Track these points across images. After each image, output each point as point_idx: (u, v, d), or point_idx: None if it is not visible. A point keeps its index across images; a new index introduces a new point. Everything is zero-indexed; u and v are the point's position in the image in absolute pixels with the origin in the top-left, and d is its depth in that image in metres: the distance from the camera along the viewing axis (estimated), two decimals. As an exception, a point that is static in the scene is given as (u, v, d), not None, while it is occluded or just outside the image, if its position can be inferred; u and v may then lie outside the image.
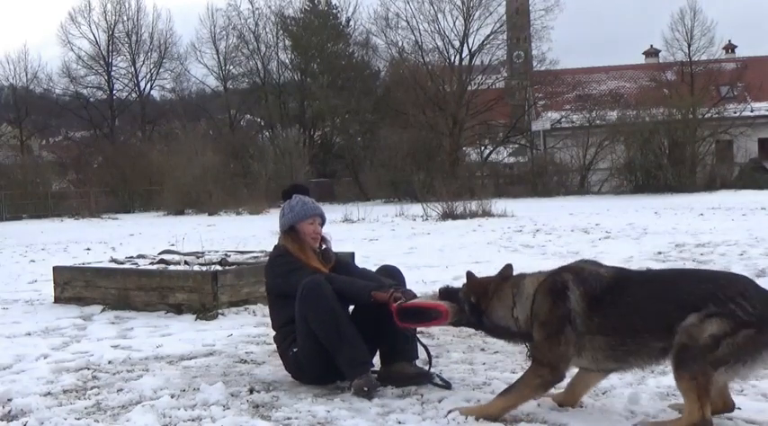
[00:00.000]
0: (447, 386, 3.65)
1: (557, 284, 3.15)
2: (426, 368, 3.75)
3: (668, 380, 3.59)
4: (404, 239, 13.10)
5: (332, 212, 22.88)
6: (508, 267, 3.43)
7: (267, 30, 44.22)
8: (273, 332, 5.17)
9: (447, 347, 4.61)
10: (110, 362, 4.47)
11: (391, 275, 4.02)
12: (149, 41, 47.05)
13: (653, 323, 2.94)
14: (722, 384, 2.94)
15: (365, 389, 3.49)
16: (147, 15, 52.96)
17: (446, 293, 3.49)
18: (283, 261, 3.88)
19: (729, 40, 43.88)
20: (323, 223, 4.09)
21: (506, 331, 3.26)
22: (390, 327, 3.61)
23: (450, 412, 3.18)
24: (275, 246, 4.07)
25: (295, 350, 3.76)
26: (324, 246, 4.07)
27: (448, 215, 18.09)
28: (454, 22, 41.03)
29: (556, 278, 3.20)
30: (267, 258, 4.04)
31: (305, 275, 3.75)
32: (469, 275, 3.45)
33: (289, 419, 3.28)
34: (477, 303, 3.30)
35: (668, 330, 2.87)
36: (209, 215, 25.97)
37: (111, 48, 46.82)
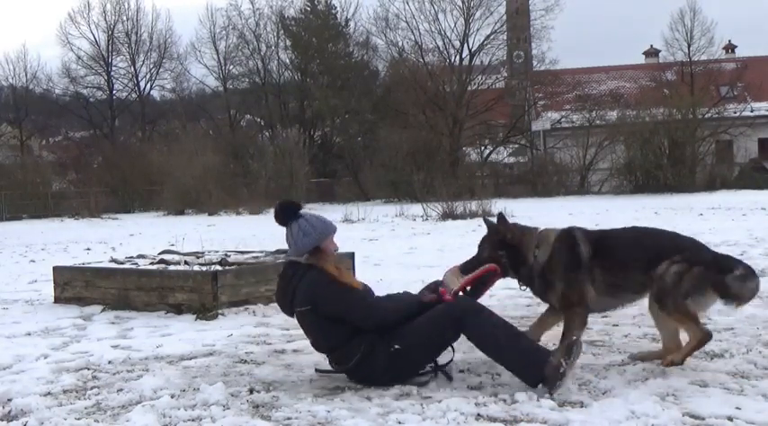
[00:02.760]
0: (449, 378, 3.77)
1: (571, 236, 4.06)
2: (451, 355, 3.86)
3: (668, 380, 3.60)
4: (404, 239, 13.10)
5: (332, 212, 22.91)
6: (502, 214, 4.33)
7: (268, 29, 44.27)
8: (273, 332, 5.16)
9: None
10: (110, 362, 4.47)
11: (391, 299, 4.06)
12: (149, 41, 47.09)
13: (636, 259, 3.92)
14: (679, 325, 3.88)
15: (561, 370, 3.45)
16: (147, 15, 53.10)
17: (470, 264, 4.06)
18: (334, 287, 3.79)
19: (729, 40, 43.91)
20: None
21: (528, 271, 4.05)
22: None
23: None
24: (310, 268, 3.85)
25: (397, 347, 3.67)
26: None
27: (448, 215, 18.08)
28: (454, 23, 41.06)
29: (569, 232, 4.10)
30: (303, 280, 3.84)
31: (357, 295, 3.80)
32: (502, 215, 4.28)
33: (289, 419, 3.28)
34: (510, 242, 4.09)
35: (646, 268, 3.86)
36: (209, 215, 25.96)
37: (110, 48, 46.82)
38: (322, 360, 4.34)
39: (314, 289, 3.78)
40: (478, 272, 3.97)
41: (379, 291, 7.10)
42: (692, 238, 4.09)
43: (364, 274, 7.53)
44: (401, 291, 4.17)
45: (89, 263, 7.96)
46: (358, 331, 3.73)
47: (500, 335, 3.65)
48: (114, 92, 47.57)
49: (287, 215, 3.90)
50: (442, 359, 3.84)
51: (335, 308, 3.75)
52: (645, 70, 42.51)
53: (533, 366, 3.52)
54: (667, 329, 3.96)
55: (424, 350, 3.75)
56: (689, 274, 3.76)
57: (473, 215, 17.93)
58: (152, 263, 6.94)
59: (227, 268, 6.38)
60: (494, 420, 3.19)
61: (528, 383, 3.53)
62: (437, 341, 3.77)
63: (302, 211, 3.93)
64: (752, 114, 36.98)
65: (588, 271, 3.92)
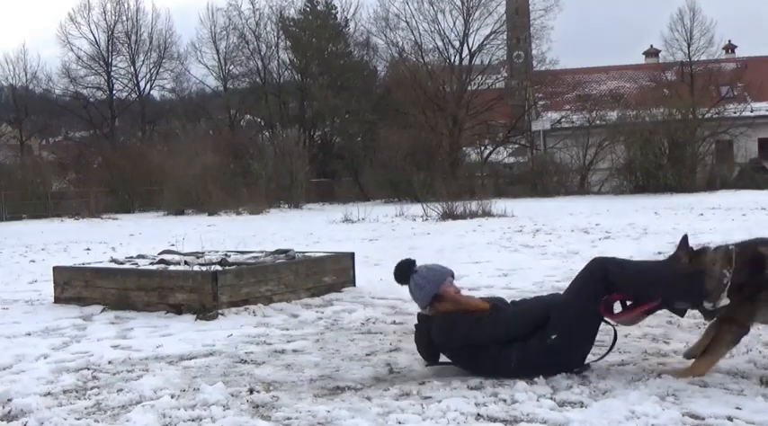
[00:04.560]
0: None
1: (757, 255, 3.66)
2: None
3: (668, 381, 3.59)
4: (404, 239, 13.09)
5: (332, 212, 22.79)
6: (686, 237, 3.81)
7: (268, 30, 44.30)
8: (273, 332, 5.17)
9: (447, 347, 4.60)
10: (110, 362, 4.46)
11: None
12: (149, 41, 47.12)
13: None
14: None
15: (724, 281, 3.53)
16: (147, 15, 53.21)
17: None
18: (458, 325, 3.85)
19: (729, 40, 43.96)
20: (453, 278, 4.13)
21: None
22: None
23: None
24: (432, 318, 3.96)
25: (553, 337, 3.69)
26: None
27: (448, 215, 18.07)
28: (454, 22, 41.09)
29: (755, 249, 3.69)
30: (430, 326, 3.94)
31: (481, 320, 3.83)
32: (684, 239, 3.80)
33: (289, 419, 3.28)
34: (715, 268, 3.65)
35: None
36: (209, 215, 25.95)
37: (110, 48, 46.86)
38: (321, 360, 4.35)
39: (443, 336, 3.91)
40: (648, 307, 3.75)
41: (380, 291, 7.09)
42: None
43: (364, 274, 7.56)
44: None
45: (89, 263, 7.96)
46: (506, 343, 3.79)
47: (646, 269, 3.78)
48: (114, 92, 47.64)
49: (404, 273, 4.09)
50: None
51: (470, 339, 3.83)
52: (645, 70, 42.52)
53: (692, 282, 3.60)
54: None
55: (579, 331, 3.75)
56: None
57: (473, 215, 17.93)
58: (152, 263, 6.94)
59: (227, 268, 6.38)
60: (494, 420, 3.19)
61: (692, 300, 3.63)
62: (591, 314, 3.75)
63: (417, 266, 4.08)
64: (752, 114, 36.97)
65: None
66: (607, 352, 3.90)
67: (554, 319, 3.75)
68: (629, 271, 3.77)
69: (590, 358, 3.87)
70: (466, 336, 3.83)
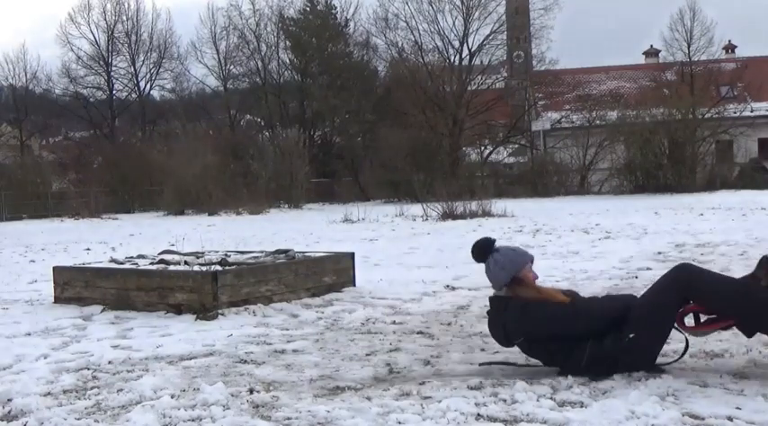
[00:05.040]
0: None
1: None
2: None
3: (668, 380, 3.59)
4: (404, 239, 13.10)
5: (332, 212, 22.77)
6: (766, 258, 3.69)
7: (268, 30, 44.29)
8: (273, 332, 5.17)
9: (447, 347, 4.60)
10: (110, 362, 4.46)
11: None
12: (149, 41, 47.05)
13: None
14: None
15: None
16: (147, 15, 52.74)
17: None
18: (538, 312, 3.79)
19: (729, 40, 43.90)
20: (532, 263, 4.04)
21: None
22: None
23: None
24: (510, 300, 3.87)
25: (631, 336, 3.66)
26: None
27: (448, 215, 18.08)
28: (454, 22, 41.07)
29: None
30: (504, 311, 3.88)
31: (560, 310, 3.78)
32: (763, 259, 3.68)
33: (289, 419, 3.28)
34: None
35: None
36: (209, 215, 25.95)
37: (110, 48, 46.81)
38: (321, 360, 4.35)
39: (520, 321, 3.82)
40: (721, 325, 3.75)
41: (380, 291, 7.09)
42: None
43: (364, 274, 7.56)
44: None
45: (89, 263, 7.96)
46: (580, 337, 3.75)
47: (728, 289, 3.69)
48: (114, 92, 47.59)
49: (484, 251, 3.98)
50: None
51: (546, 330, 3.78)
52: (645, 70, 42.50)
53: None
54: None
55: (655, 331, 3.72)
56: None
57: (473, 215, 17.93)
58: (152, 263, 6.93)
59: (227, 268, 6.38)
60: (494, 420, 3.19)
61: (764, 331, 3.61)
62: (669, 317, 3.72)
63: (497, 245, 3.99)
64: (752, 114, 36.97)
65: None
66: (678, 358, 3.86)
67: (634, 318, 3.71)
68: (713, 286, 3.71)
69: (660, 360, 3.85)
70: (545, 324, 3.75)
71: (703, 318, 3.81)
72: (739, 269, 7.03)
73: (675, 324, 3.76)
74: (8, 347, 4.96)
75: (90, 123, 47.40)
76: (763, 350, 4.16)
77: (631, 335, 3.68)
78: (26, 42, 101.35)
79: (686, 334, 3.85)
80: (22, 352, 4.76)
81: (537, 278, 3.98)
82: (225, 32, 44.77)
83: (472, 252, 4.02)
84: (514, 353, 4.05)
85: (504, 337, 3.93)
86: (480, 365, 4.05)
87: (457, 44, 40.87)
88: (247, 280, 6.16)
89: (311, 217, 21.39)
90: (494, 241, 4.00)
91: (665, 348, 3.89)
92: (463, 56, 40.93)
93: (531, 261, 3.98)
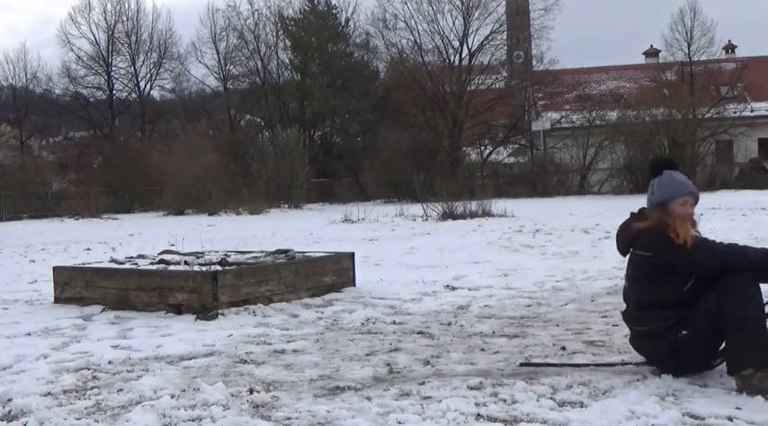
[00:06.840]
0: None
1: None
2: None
3: (668, 381, 3.59)
4: (404, 239, 13.10)
5: (332, 212, 22.76)
6: None
7: (267, 30, 44.30)
8: (273, 332, 5.16)
9: (447, 347, 4.60)
10: (110, 362, 4.46)
11: None
12: (149, 41, 47.07)
13: None
14: None
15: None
16: (147, 15, 52.82)
17: None
18: (675, 247, 3.67)
19: (729, 40, 43.87)
20: (695, 202, 3.89)
21: None
22: None
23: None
24: (649, 216, 3.80)
25: (684, 333, 3.61)
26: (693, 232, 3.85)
27: (448, 215, 18.08)
28: (453, 22, 41.04)
29: None
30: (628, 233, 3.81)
31: (695, 248, 3.65)
32: None
33: (289, 419, 3.28)
34: None
35: None
36: (209, 215, 25.96)
37: (110, 48, 46.82)
38: (321, 360, 4.35)
39: (656, 242, 3.72)
40: None
41: (380, 291, 7.09)
42: None
43: (364, 274, 7.56)
44: None
45: (89, 263, 7.95)
46: (682, 299, 3.65)
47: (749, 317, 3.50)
48: (114, 92, 47.60)
49: (660, 167, 3.91)
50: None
51: (677, 262, 3.68)
52: (645, 70, 42.49)
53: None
54: None
55: (707, 332, 3.59)
56: None
57: (473, 215, 17.93)
58: (152, 263, 6.94)
59: (227, 268, 6.38)
60: (494, 420, 3.19)
61: (738, 366, 3.44)
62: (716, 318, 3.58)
63: (666, 169, 3.89)
64: (752, 114, 36.95)
65: None
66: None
67: (691, 314, 3.62)
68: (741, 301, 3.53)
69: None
70: (680, 258, 3.65)
71: None
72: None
73: None
74: (8, 347, 4.96)
75: (90, 123, 47.41)
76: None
77: (684, 333, 3.61)
78: (26, 42, 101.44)
79: None
80: (22, 352, 4.76)
81: (691, 215, 3.82)
82: (225, 33, 44.84)
83: (650, 165, 3.98)
84: (540, 355, 4.04)
85: (626, 244, 3.87)
86: (521, 365, 4.02)
87: (457, 44, 40.91)
88: (247, 280, 6.16)
89: (311, 217, 21.37)
90: (676, 164, 3.95)
91: None
92: (463, 56, 40.98)
93: (695, 200, 3.86)
